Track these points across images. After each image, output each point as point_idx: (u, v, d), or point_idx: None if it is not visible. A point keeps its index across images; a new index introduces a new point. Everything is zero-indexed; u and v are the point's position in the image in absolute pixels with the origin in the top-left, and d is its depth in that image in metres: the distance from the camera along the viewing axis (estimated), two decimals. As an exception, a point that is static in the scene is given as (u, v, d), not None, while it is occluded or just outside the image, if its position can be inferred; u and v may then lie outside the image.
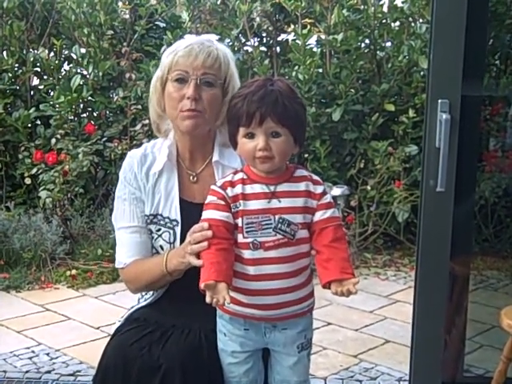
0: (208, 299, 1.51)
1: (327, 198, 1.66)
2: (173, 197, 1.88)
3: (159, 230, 1.88)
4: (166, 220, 1.87)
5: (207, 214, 1.64)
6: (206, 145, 1.91)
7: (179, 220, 1.86)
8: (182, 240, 1.80)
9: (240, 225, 1.62)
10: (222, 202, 1.63)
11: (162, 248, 1.88)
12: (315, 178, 1.69)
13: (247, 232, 1.61)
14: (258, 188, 1.64)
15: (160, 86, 1.87)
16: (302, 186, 1.65)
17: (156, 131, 1.96)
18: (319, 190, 1.66)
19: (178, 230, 1.85)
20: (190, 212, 1.76)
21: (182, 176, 1.91)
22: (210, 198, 1.65)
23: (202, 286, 1.53)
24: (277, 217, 1.61)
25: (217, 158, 1.88)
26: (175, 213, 1.87)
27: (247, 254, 1.62)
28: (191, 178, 1.91)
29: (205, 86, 1.81)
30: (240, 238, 1.62)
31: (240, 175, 1.67)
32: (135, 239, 1.89)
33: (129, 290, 1.96)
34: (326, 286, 1.58)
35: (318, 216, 1.63)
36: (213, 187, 1.67)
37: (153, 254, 1.92)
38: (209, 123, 1.85)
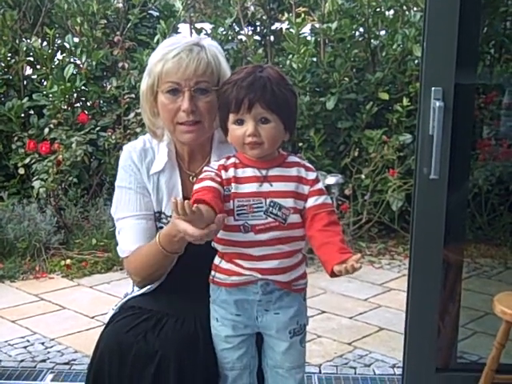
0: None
1: (319, 185, 1.66)
2: (176, 195, 1.84)
3: (161, 227, 1.85)
4: (169, 219, 1.84)
5: (200, 184, 1.60)
6: (204, 146, 1.89)
7: None
8: None
9: (231, 207, 1.61)
10: (218, 178, 1.62)
11: None
12: (307, 164, 1.69)
13: (238, 215, 1.61)
14: (249, 172, 1.64)
15: (151, 96, 1.83)
16: (293, 171, 1.65)
17: (153, 137, 1.90)
18: (311, 176, 1.66)
19: None
20: None
21: (182, 176, 1.89)
22: (205, 174, 1.64)
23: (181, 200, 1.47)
24: (268, 200, 1.61)
25: (215, 158, 1.84)
26: None
27: (238, 236, 1.62)
28: (190, 178, 1.88)
29: (199, 93, 1.77)
30: (231, 221, 1.61)
31: (232, 160, 1.67)
32: (141, 225, 1.85)
33: (135, 284, 1.91)
34: (332, 274, 1.54)
35: (311, 202, 1.63)
36: (206, 168, 1.67)
37: None
38: (208, 130, 1.83)
